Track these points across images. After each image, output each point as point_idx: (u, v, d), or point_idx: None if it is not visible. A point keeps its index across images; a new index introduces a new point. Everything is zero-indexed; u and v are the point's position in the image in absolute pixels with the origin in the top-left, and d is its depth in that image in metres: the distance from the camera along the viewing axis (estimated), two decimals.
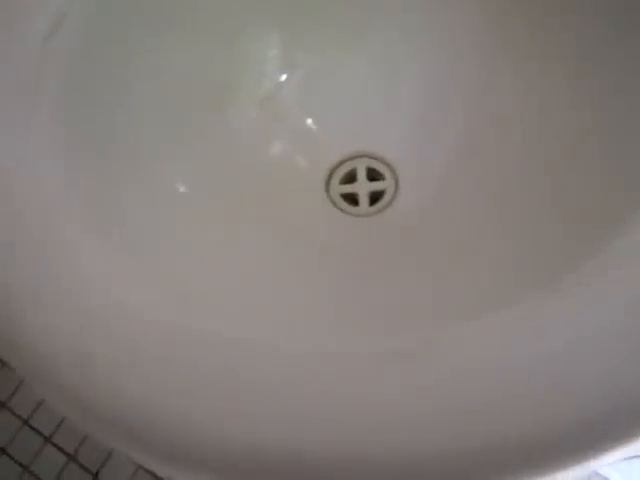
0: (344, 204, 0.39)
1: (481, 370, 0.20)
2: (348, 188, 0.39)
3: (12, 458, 0.66)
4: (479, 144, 0.37)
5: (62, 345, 0.23)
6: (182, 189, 0.35)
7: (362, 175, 0.40)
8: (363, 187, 0.39)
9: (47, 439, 0.66)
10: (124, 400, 0.22)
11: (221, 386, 0.22)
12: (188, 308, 0.25)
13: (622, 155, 0.27)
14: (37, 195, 0.27)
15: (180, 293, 0.27)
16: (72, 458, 0.65)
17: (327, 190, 0.39)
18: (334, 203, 0.39)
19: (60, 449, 0.66)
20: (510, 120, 0.36)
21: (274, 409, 0.21)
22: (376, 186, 0.39)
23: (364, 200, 0.39)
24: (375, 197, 0.39)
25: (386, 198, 0.39)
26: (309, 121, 0.39)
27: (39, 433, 0.67)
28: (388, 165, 0.40)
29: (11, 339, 0.24)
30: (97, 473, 0.64)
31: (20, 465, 0.65)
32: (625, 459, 0.91)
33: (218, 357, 0.23)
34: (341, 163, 0.40)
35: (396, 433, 0.20)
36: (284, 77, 0.39)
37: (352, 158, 0.40)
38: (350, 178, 0.40)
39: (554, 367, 0.20)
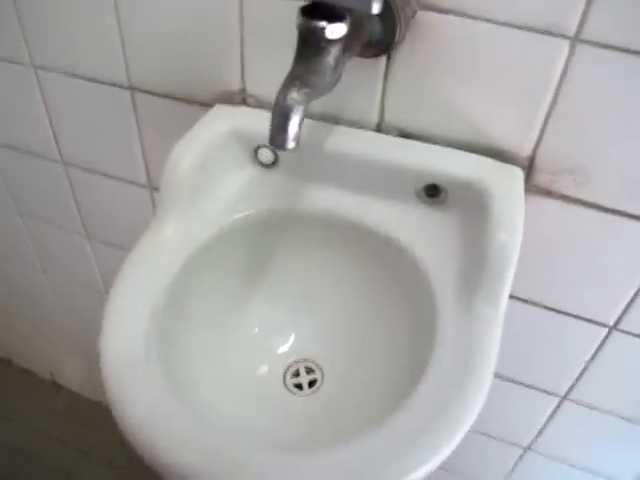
0: (294, 389, 0.69)
1: None
2: (295, 380, 0.70)
3: None
4: (369, 352, 0.68)
5: None
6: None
7: (303, 372, 0.70)
8: (304, 379, 0.69)
9: None
10: None
11: None
12: None
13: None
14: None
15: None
16: None
17: (284, 381, 0.70)
18: (288, 389, 0.69)
19: None
20: (383, 340, 0.67)
21: None
22: (311, 377, 0.70)
23: (305, 386, 0.69)
24: (312, 383, 0.69)
25: (318, 384, 0.69)
26: (277, 350, 0.71)
27: None
28: (318, 365, 0.70)
29: None
30: None
31: None
32: None
33: None
34: (292, 365, 0.71)
35: None
36: (256, 330, 0.71)
37: (298, 362, 0.71)
38: (297, 373, 0.70)
39: None
